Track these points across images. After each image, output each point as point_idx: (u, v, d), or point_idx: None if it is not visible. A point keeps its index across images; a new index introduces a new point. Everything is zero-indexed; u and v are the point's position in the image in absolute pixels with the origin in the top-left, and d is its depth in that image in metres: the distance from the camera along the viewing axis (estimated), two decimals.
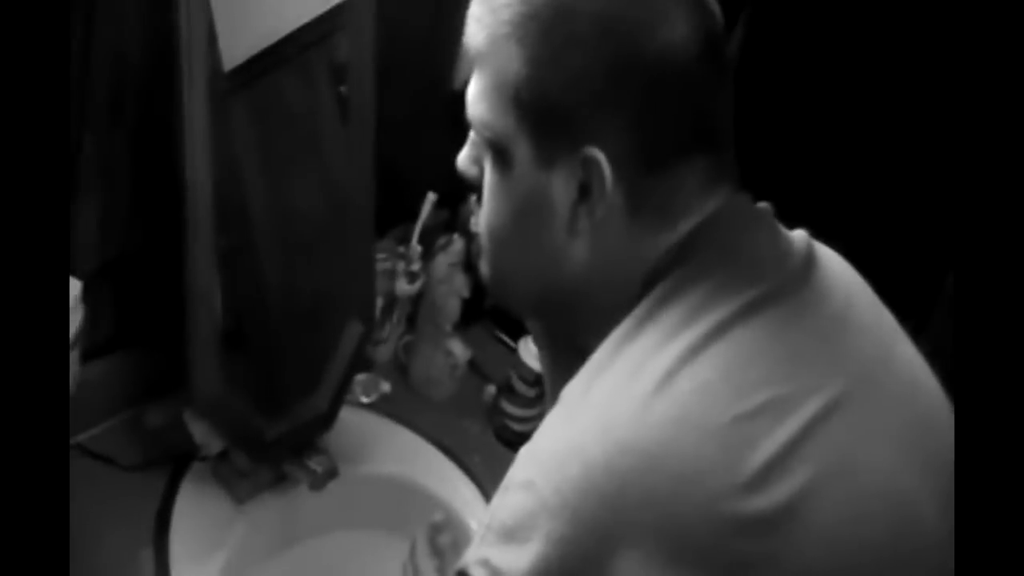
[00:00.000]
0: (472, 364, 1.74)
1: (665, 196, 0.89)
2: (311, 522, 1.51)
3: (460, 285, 1.67)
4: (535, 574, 0.81)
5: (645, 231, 0.89)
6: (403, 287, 1.67)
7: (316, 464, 1.44)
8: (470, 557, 0.86)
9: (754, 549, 0.79)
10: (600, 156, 0.85)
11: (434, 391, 1.71)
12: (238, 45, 1.23)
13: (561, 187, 0.88)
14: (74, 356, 1.28)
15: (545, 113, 0.86)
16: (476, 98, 0.91)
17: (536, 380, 1.62)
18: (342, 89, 1.40)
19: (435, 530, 1.18)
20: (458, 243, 1.67)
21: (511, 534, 0.83)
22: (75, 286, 1.25)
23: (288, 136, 1.35)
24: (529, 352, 1.62)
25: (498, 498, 0.87)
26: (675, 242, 0.89)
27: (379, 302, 1.62)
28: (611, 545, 0.79)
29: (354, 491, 1.52)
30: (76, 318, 1.26)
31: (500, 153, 0.90)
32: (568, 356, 0.93)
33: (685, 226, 0.89)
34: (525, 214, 0.91)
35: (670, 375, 0.82)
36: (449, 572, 1.14)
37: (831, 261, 0.97)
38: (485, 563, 0.84)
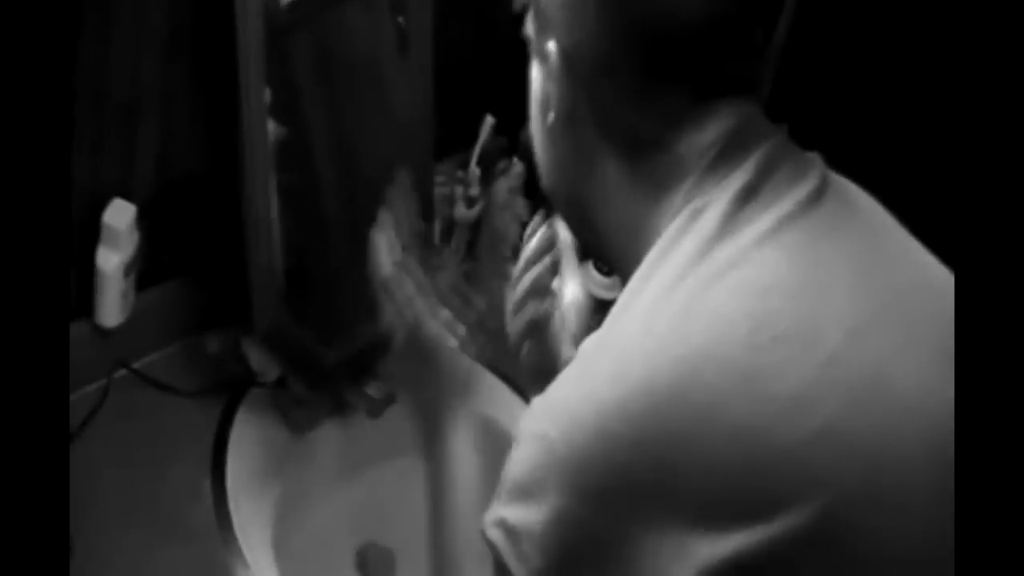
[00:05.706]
0: None
1: (645, 126, 0.86)
2: (369, 450, 1.50)
3: (521, 210, 1.64)
4: (553, 532, 0.78)
5: (646, 185, 0.87)
6: (461, 211, 1.64)
7: (374, 391, 1.43)
8: (487, 518, 0.82)
9: (790, 478, 0.75)
10: (555, 49, 0.87)
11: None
12: None
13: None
14: (130, 281, 1.28)
15: (538, 11, 0.90)
16: None
17: (601, 307, 1.59)
18: (400, 20, 1.39)
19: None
20: (518, 167, 1.64)
21: (525, 490, 0.79)
22: (129, 211, 1.24)
23: (349, 70, 1.34)
24: (592, 279, 1.59)
25: (511, 453, 0.83)
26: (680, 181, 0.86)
27: (437, 227, 1.60)
28: (634, 494, 0.76)
29: (413, 417, 1.50)
30: (131, 243, 1.25)
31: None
32: None
33: (683, 158, 0.86)
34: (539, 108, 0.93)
35: (686, 312, 0.79)
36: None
37: (846, 184, 0.92)
38: (501, 523, 0.81)
